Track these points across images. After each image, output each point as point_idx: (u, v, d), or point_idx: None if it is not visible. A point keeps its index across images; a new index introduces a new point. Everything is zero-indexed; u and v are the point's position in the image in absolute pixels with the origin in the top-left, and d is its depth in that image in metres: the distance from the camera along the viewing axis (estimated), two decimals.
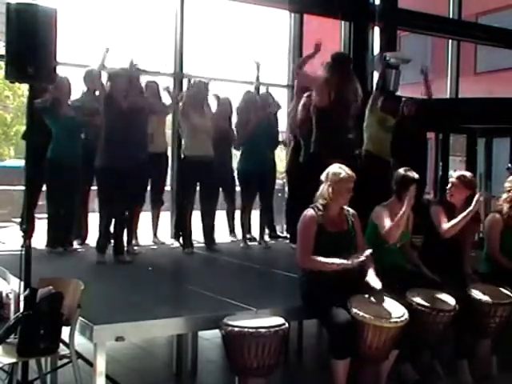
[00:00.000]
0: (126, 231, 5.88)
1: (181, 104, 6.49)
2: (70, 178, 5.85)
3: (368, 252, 3.90)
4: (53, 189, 5.91)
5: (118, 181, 5.49)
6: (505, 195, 4.98)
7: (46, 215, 6.01)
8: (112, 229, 5.71)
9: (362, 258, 3.87)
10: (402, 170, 4.47)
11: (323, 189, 4.03)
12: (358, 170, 4.19)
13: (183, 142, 6.62)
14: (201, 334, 4.81)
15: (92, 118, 6.00)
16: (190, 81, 6.79)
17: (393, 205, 4.42)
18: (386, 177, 4.74)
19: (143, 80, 6.40)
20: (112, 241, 5.72)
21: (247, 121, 6.87)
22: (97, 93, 6.13)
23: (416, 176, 4.41)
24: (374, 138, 6.75)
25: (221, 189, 7.05)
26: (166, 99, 6.77)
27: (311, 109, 5.59)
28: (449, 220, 4.50)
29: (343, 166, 4.06)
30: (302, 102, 6.49)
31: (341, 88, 5.35)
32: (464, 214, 4.42)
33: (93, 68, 6.36)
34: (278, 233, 7.70)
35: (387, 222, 4.22)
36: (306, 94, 6.96)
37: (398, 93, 7.71)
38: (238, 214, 7.24)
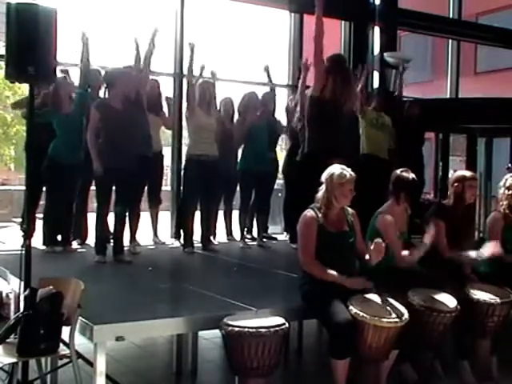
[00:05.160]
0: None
1: (186, 102, 6.50)
2: (68, 176, 5.86)
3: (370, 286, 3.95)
4: (50, 186, 5.92)
5: (117, 181, 5.50)
6: (500, 193, 5.03)
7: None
8: (112, 229, 5.73)
9: (364, 285, 3.91)
10: (397, 171, 4.48)
11: (326, 191, 4.00)
12: (355, 169, 4.18)
13: (188, 141, 6.64)
14: (201, 333, 4.81)
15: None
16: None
17: (392, 208, 4.43)
18: (385, 176, 4.71)
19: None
20: (112, 241, 5.72)
21: (244, 121, 6.88)
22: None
23: (411, 176, 4.42)
24: (368, 138, 6.80)
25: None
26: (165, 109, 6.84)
27: (306, 102, 5.40)
28: (448, 232, 4.60)
29: (345, 167, 4.03)
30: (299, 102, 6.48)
31: (339, 90, 5.24)
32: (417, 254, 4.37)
33: (93, 68, 6.39)
34: (273, 235, 7.69)
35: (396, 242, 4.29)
36: (291, 97, 7.06)
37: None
38: (235, 214, 7.26)
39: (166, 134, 9.19)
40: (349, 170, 4.02)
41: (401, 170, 4.48)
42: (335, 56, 5.42)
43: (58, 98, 5.92)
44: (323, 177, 4.02)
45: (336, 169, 4.01)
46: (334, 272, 3.88)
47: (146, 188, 6.68)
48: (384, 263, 4.25)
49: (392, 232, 4.31)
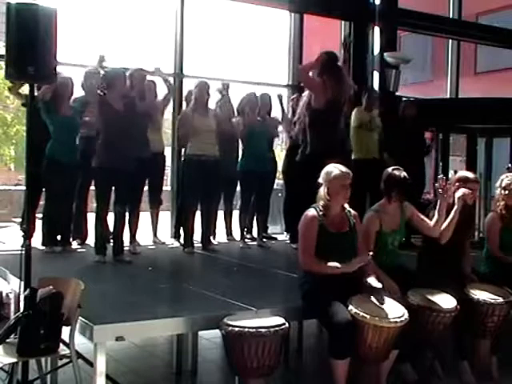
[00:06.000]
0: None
1: (184, 105, 6.49)
2: (66, 176, 5.86)
3: (369, 255, 3.90)
4: (49, 187, 5.92)
5: (116, 181, 5.50)
6: (497, 194, 5.04)
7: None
8: (112, 229, 5.73)
9: (363, 262, 3.88)
10: (389, 169, 4.45)
11: (321, 190, 4.03)
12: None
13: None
14: (201, 333, 4.81)
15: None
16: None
17: (384, 207, 4.41)
18: (379, 176, 4.69)
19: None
20: (112, 241, 5.72)
21: (243, 121, 6.87)
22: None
23: (403, 174, 4.38)
24: (358, 141, 6.83)
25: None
26: (162, 88, 6.72)
27: (304, 110, 5.51)
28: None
29: (337, 165, 4.04)
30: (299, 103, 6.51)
31: (336, 89, 5.27)
32: (451, 215, 4.43)
33: (91, 70, 6.38)
34: (273, 235, 7.69)
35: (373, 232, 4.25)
36: (292, 97, 7.08)
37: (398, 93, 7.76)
38: (235, 214, 7.25)
39: (166, 135, 9.19)
40: (340, 166, 4.02)
41: (392, 168, 4.46)
42: (325, 55, 5.41)
43: (60, 95, 5.89)
44: (319, 178, 4.05)
45: (327, 167, 4.04)
46: (333, 263, 3.87)
47: (147, 188, 6.68)
48: (384, 263, 4.26)
49: (367, 232, 4.25)
